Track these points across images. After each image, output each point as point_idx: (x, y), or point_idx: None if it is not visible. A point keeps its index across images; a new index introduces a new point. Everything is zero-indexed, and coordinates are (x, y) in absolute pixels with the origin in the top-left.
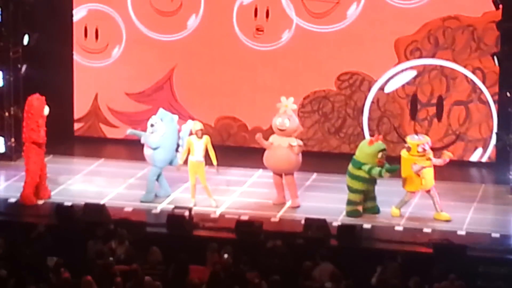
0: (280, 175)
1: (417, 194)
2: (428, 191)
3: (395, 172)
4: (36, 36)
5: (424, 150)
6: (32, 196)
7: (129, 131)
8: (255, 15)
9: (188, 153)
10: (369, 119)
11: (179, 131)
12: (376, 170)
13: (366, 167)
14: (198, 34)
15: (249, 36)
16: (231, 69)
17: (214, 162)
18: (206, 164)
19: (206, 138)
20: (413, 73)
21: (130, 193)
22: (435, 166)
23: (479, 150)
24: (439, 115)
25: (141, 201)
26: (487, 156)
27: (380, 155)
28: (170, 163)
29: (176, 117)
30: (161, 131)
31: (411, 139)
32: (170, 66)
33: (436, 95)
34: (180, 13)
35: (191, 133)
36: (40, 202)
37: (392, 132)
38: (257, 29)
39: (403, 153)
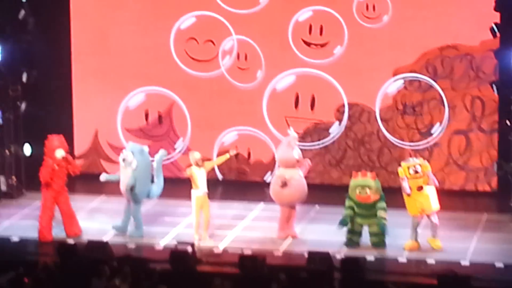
0: (291, 208)
1: (422, 218)
2: (428, 216)
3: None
4: (35, 74)
5: (416, 172)
6: (43, 232)
7: (102, 177)
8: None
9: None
10: (369, 150)
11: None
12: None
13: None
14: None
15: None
16: (231, 103)
17: (227, 155)
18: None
19: (206, 163)
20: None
21: (132, 230)
22: (438, 194)
23: (481, 179)
24: None
25: (130, 237)
26: (489, 185)
27: (357, 190)
28: (148, 195)
29: (146, 147)
30: (134, 165)
31: (405, 162)
32: (169, 101)
33: (435, 124)
34: None
35: (189, 165)
36: (70, 240)
37: (393, 163)
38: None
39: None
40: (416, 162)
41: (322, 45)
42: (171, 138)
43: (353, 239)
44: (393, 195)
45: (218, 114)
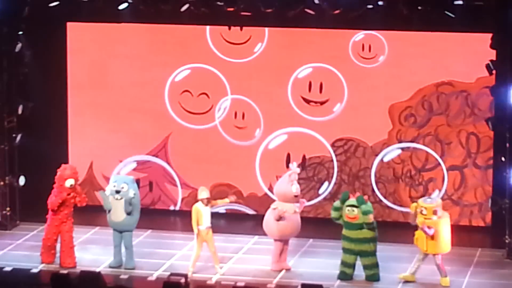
0: (284, 242)
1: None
2: (434, 256)
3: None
4: (30, 106)
5: (421, 213)
6: (43, 257)
7: (101, 192)
8: None
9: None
10: (364, 184)
11: None
12: None
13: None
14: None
15: None
16: (225, 137)
17: (227, 200)
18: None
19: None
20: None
21: (123, 260)
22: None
23: (475, 215)
24: None
25: (126, 268)
26: (483, 221)
27: (346, 210)
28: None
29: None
30: (131, 193)
31: (424, 202)
32: (165, 134)
33: (431, 160)
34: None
35: (196, 201)
36: (53, 266)
37: (388, 197)
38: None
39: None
40: (424, 205)
41: (322, 103)
42: (166, 171)
43: (346, 272)
44: (387, 229)
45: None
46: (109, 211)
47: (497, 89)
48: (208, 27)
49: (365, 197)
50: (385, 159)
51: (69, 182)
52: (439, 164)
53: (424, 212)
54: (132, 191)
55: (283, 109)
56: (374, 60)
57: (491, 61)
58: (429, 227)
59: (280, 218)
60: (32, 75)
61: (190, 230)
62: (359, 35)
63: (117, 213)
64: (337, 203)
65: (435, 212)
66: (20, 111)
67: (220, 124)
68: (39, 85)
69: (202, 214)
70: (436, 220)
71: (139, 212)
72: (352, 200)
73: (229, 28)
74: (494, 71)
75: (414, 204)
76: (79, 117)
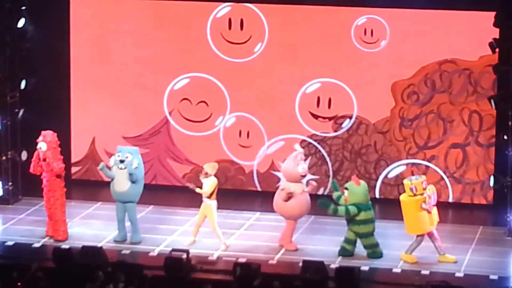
0: (294, 220)
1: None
2: (429, 234)
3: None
4: (33, 81)
5: (413, 192)
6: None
7: (101, 165)
8: None
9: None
10: (367, 161)
11: None
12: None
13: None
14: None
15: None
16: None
17: (198, 190)
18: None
19: (212, 181)
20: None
21: (130, 235)
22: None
23: (477, 193)
24: None
25: (132, 243)
26: (485, 199)
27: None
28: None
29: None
30: (135, 164)
31: (406, 180)
32: (168, 109)
33: (433, 138)
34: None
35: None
36: (49, 240)
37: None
38: None
39: (403, 197)
40: (414, 181)
41: (330, 118)
42: (168, 147)
43: (346, 248)
44: (390, 207)
45: None
46: (112, 179)
47: (500, 68)
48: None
49: (356, 179)
50: (387, 136)
51: (39, 145)
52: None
53: (414, 190)
54: (136, 161)
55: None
56: (376, 44)
57: (494, 39)
58: (425, 203)
59: (288, 199)
60: (35, 50)
61: (192, 206)
62: (362, 19)
63: (121, 183)
64: (335, 195)
65: (424, 187)
66: (22, 86)
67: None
68: (42, 60)
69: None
70: (428, 194)
71: (143, 184)
72: (347, 184)
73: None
74: (497, 49)
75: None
76: (82, 93)
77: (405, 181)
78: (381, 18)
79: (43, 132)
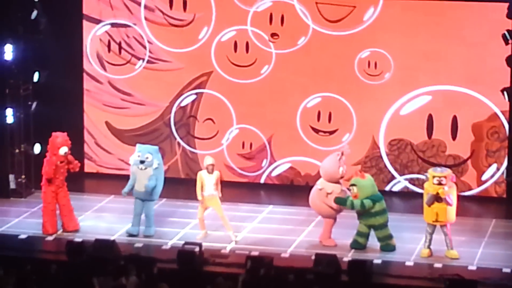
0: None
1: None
2: (441, 227)
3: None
4: (46, 73)
5: (440, 183)
6: (46, 227)
7: (124, 191)
8: None
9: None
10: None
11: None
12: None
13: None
14: None
15: None
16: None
17: (219, 194)
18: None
19: (216, 173)
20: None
21: (140, 229)
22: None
23: (490, 185)
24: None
25: (145, 236)
26: (497, 191)
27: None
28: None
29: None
30: (156, 164)
31: (432, 170)
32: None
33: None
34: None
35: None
36: (62, 233)
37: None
38: None
39: (426, 184)
40: (443, 173)
41: (331, 133)
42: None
43: (359, 241)
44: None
45: None
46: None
47: None
48: None
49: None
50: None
51: (63, 150)
52: None
53: (444, 181)
54: (156, 162)
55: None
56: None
57: (508, 31)
58: (442, 193)
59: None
60: (48, 42)
61: None
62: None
63: (142, 183)
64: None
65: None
66: (35, 79)
67: None
68: (54, 52)
69: (205, 181)
70: (451, 189)
71: (163, 182)
72: (353, 180)
73: None
74: (510, 41)
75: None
76: (95, 85)
77: (430, 170)
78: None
79: (58, 134)
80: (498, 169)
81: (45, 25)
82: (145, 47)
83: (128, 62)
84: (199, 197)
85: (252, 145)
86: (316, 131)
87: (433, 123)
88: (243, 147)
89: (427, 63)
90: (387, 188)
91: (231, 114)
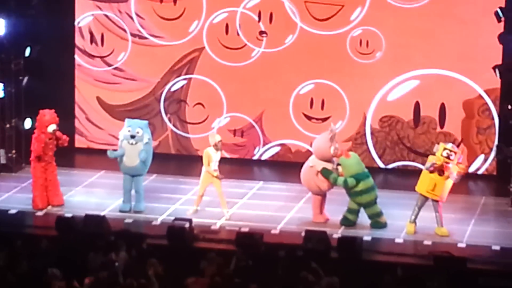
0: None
1: (426, 200)
2: (434, 203)
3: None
4: (38, 48)
5: (448, 157)
6: (36, 201)
7: (110, 153)
8: None
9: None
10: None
11: None
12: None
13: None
14: None
15: None
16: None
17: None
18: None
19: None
20: (416, 82)
21: (134, 204)
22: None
23: (480, 163)
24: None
25: (135, 211)
26: (488, 169)
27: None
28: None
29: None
30: (146, 139)
31: (444, 144)
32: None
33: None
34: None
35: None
36: (52, 208)
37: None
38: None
39: (430, 157)
40: (455, 150)
41: (323, 120)
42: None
43: (349, 218)
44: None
45: None
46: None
47: (505, 37)
48: None
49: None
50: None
51: (52, 128)
52: None
53: (453, 157)
54: (146, 136)
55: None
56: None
57: (500, 8)
58: (442, 167)
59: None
60: (40, 17)
61: (195, 175)
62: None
63: (132, 158)
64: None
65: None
66: (27, 54)
67: None
68: (46, 27)
69: (212, 157)
70: (454, 167)
71: (152, 157)
72: (338, 160)
73: None
74: (503, 19)
75: (436, 146)
76: (86, 60)
77: (442, 144)
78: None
79: (45, 112)
80: (488, 147)
81: (37, 0)
82: (137, 22)
83: (120, 37)
84: (215, 174)
85: (243, 133)
86: (309, 118)
87: (420, 108)
88: (234, 134)
89: (419, 41)
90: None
91: (221, 100)
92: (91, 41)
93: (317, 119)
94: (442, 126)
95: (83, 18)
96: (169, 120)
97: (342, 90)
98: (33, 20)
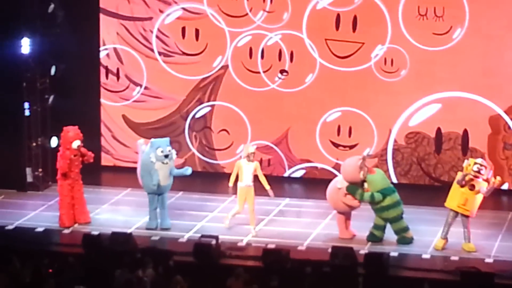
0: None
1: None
2: (462, 216)
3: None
4: (63, 67)
5: (479, 172)
6: (62, 220)
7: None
8: None
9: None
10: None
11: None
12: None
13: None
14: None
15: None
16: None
17: (267, 186)
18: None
19: (255, 163)
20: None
21: (160, 222)
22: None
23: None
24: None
25: (162, 228)
26: None
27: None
28: None
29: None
30: (174, 155)
31: (475, 159)
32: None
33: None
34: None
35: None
36: (79, 226)
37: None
38: None
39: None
40: (485, 164)
41: (351, 147)
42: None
43: (375, 234)
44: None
45: None
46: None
47: None
48: None
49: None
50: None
51: (76, 144)
52: None
53: (483, 171)
54: (174, 152)
55: None
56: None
57: None
58: (469, 180)
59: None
60: (65, 36)
61: (221, 192)
62: None
63: (165, 177)
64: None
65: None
66: (52, 73)
67: None
68: (71, 46)
69: (243, 170)
70: (483, 182)
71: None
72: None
73: None
74: None
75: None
76: (111, 78)
77: (471, 159)
78: None
79: (69, 128)
80: None
81: (62, 19)
82: (161, 41)
83: (145, 55)
84: (230, 184)
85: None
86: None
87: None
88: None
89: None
90: (404, 181)
91: (246, 127)
92: (117, 59)
93: (344, 146)
94: (465, 153)
95: (109, 36)
96: (195, 139)
97: (368, 115)
98: (58, 38)
